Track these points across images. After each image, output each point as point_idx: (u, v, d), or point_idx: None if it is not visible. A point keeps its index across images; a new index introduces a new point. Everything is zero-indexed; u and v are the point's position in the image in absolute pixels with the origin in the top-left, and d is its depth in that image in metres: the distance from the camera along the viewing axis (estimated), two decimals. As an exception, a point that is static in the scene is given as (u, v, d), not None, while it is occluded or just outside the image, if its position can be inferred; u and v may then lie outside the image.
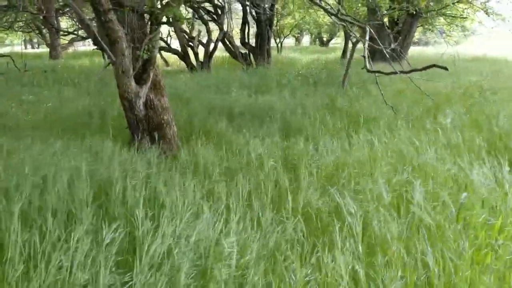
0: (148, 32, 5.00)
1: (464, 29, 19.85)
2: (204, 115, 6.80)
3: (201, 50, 16.23)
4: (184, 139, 5.74)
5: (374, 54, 16.22)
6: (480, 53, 21.04)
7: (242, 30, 17.60)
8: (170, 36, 18.66)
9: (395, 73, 5.14)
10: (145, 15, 5.11)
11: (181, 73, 14.75)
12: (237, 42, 17.82)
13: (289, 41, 52.97)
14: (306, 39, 52.88)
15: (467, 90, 7.72)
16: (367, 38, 5.66)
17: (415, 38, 31.28)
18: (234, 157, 4.69)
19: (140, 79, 5.03)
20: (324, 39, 42.63)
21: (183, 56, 15.62)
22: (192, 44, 15.72)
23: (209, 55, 15.64)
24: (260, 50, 17.26)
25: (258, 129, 5.96)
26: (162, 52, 17.87)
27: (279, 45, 28.25)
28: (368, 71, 5.08)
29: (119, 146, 4.73)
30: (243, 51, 17.55)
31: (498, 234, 2.85)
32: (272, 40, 31.17)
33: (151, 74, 5.13)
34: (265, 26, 17.13)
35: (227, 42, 17.03)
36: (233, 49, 17.32)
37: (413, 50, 27.33)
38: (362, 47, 6.36)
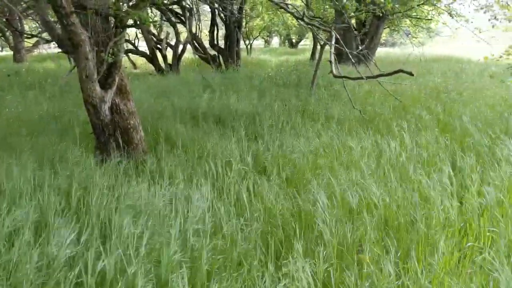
0: (113, 35, 4.89)
1: (429, 30, 20.27)
2: (170, 118, 6.71)
3: (170, 53, 16.08)
4: (153, 143, 5.67)
5: (342, 56, 16.43)
6: (444, 53, 21.56)
7: (211, 32, 17.53)
8: (138, 38, 18.43)
9: (361, 78, 5.20)
10: (109, 18, 5.00)
11: (150, 76, 14.60)
12: (207, 44, 17.76)
13: (259, 43, 53.10)
14: (275, 41, 53.12)
15: (432, 91, 7.88)
16: (333, 42, 5.70)
17: (382, 39, 31.88)
18: (199, 161, 4.64)
19: (105, 83, 4.92)
20: (294, 40, 42.89)
21: (151, 58, 15.44)
22: (160, 47, 15.55)
23: (177, 57, 15.50)
24: (229, 52, 17.21)
25: (224, 131, 5.92)
26: (130, 54, 17.65)
27: (249, 46, 28.26)
28: (335, 76, 5.11)
29: (82, 152, 4.62)
30: (213, 53, 17.51)
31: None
32: (242, 42, 31.32)
33: (117, 78, 5.03)
34: (234, 28, 17.10)
35: (196, 44, 16.96)
36: (202, 51, 17.26)
37: (380, 51, 27.80)
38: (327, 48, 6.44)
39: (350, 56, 6.19)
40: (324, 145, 5.01)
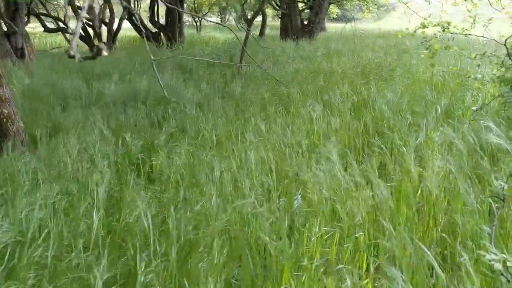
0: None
1: (378, 4, 19.91)
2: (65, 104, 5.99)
3: (105, 31, 15.11)
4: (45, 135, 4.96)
5: (287, 31, 15.84)
6: (393, 28, 21.27)
7: (151, 8, 16.60)
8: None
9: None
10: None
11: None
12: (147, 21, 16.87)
13: (216, 20, 51.77)
14: (233, 18, 51.78)
15: (364, 68, 7.42)
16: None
17: (335, 14, 31.45)
18: (81, 156, 4.00)
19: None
20: (249, 16, 41.90)
21: (85, 37, 14.41)
22: (93, 24, 14.52)
23: (112, 35, 14.55)
24: (171, 29, 16.34)
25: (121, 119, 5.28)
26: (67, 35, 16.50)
27: (198, 23, 27.25)
28: (69, 56, 4.47)
29: None
30: (154, 30, 16.62)
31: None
32: (190, 19, 30.26)
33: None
34: (174, 3, 16.19)
35: (135, 21, 16.03)
36: (141, 28, 16.34)
37: (333, 27, 27.44)
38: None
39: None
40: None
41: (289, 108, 5.26)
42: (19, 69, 8.60)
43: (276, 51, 9.88)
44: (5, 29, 10.10)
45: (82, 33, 14.40)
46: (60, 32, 14.97)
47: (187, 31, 25.60)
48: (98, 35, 14.50)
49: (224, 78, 7.51)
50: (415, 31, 4.89)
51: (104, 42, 14.56)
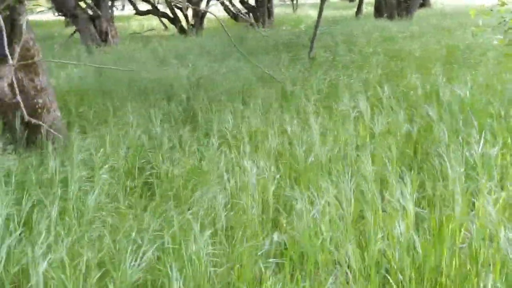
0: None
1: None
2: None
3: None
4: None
5: (381, 10, 14.58)
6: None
7: (242, -12, 16.30)
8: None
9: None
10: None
11: (170, 38, 13.76)
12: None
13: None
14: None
15: (451, 50, 6.36)
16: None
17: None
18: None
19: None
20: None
21: (173, 19, 14.53)
22: (181, 5, 14.53)
23: (200, 16, 14.49)
24: (260, 10, 15.94)
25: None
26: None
27: (295, 1, 26.43)
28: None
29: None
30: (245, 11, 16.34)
31: None
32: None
33: (17, 48, 4.18)
34: (265, -17, 15.73)
35: (225, 1, 15.88)
36: (232, 9, 16.15)
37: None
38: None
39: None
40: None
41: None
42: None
43: (355, 32, 9.00)
44: (90, 13, 10.37)
45: (171, 14, 14.55)
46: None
47: (283, 10, 25.08)
48: (185, 16, 14.50)
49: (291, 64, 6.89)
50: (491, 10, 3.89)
51: (192, 24, 14.57)
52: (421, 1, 14.75)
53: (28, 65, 4.31)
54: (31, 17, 21.60)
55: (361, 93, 4.43)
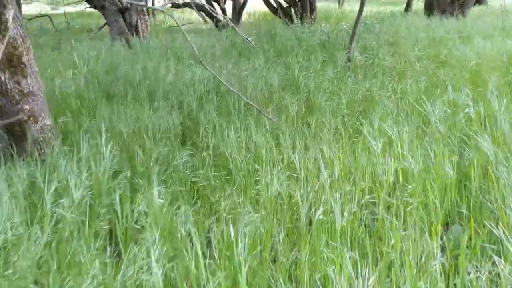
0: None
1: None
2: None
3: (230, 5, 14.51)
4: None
5: (432, 7, 13.44)
6: None
7: (282, -20, 15.48)
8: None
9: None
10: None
11: (206, 31, 13.23)
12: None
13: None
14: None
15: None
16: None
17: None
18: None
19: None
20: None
21: (209, 13, 13.96)
22: (216, -1, 13.97)
23: (238, 10, 13.86)
24: (301, 3, 15.09)
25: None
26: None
27: (341, -4, 25.41)
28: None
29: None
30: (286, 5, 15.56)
31: None
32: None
33: (2, 46, 3.67)
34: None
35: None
36: (272, 3, 15.39)
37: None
38: None
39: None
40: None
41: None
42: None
43: (401, 32, 8.09)
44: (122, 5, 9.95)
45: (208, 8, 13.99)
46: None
47: (329, 6, 24.07)
48: (222, 10, 13.92)
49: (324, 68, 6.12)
50: None
51: (229, 18, 13.96)
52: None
53: (13, 65, 3.81)
54: (69, 9, 21.66)
55: (399, 112, 3.64)
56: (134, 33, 10.18)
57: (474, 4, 14.36)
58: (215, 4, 13.97)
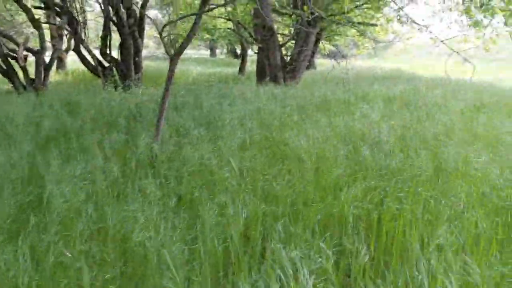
0: None
1: (375, 40, 16.94)
2: None
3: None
4: None
5: (264, 72, 12.75)
6: (395, 67, 18.41)
7: (103, 37, 13.52)
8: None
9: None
10: None
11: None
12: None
13: (206, 53, 48.85)
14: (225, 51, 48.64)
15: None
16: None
17: (327, 51, 28.67)
18: None
19: None
20: (238, 51, 39.00)
21: (6, 71, 11.28)
22: (16, 55, 11.43)
23: (42, 69, 11.47)
24: (125, 63, 13.30)
25: None
26: None
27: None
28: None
29: None
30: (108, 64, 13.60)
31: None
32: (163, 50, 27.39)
33: None
34: (129, 33, 13.21)
35: (83, 51, 13.10)
36: (91, 61, 13.28)
37: (326, 64, 24.73)
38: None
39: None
40: None
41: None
42: None
43: (224, 101, 6.76)
44: None
45: (3, 65, 11.28)
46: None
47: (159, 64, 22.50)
48: (23, 68, 11.35)
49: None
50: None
51: (32, 79, 11.48)
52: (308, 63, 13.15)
53: None
54: None
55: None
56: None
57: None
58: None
